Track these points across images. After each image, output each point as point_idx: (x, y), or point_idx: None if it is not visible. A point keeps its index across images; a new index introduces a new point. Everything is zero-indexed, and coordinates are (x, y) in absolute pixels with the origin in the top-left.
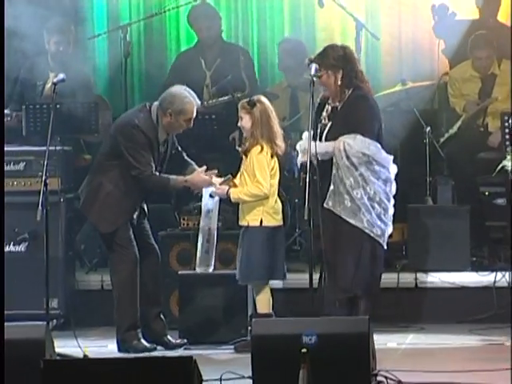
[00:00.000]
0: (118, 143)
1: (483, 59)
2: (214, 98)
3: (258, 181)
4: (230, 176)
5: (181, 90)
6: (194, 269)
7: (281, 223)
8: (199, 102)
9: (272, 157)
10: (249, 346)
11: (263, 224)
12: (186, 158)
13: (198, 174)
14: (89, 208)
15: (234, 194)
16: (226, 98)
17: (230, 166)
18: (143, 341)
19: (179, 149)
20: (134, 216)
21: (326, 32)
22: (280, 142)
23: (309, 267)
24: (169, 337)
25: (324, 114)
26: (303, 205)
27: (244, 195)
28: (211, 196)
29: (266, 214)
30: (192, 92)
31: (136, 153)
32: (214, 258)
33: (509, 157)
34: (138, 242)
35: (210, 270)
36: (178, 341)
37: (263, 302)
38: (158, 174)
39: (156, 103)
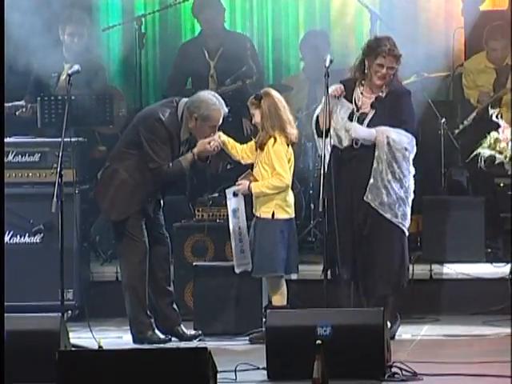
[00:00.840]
0: (139, 134)
1: (498, 50)
2: (223, 86)
3: (278, 173)
4: (249, 171)
5: (209, 95)
6: (205, 260)
7: (292, 216)
8: (227, 110)
9: (288, 146)
10: (263, 337)
11: (275, 217)
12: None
13: (202, 142)
14: (101, 195)
15: (256, 188)
16: (235, 85)
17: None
18: (157, 332)
19: None
20: (150, 208)
21: (341, 24)
22: (292, 130)
23: (323, 259)
24: (183, 328)
25: (361, 100)
26: (318, 196)
27: (266, 188)
28: (235, 194)
29: (278, 207)
30: (221, 99)
31: (156, 146)
32: (250, 255)
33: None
34: (150, 233)
35: (249, 268)
36: (193, 332)
37: (278, 295)
38: (170, 166)
39: (184, 100)
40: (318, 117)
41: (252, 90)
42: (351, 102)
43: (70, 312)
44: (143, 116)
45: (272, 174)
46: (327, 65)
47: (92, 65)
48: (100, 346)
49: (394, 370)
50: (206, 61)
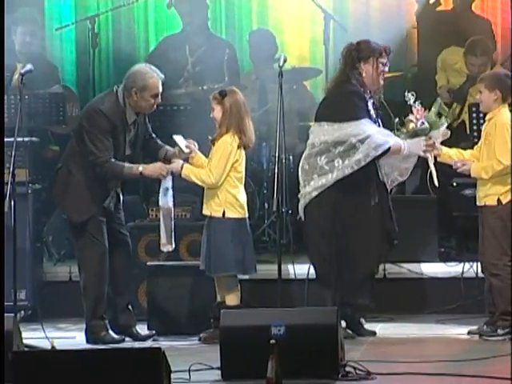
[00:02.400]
0: (83, 129)
1: (476, 66)
2: (192, 84)
3: (210, 169)
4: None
5: (141, 66)
6: (159, 260)
7: (245, 216)
8: (163, 76)
9: (239, 148)
10: (214, 336)
11: (226, 216)
12: (159, 142)
13: (154, 165)
14: (60, 197)
15: (186, 171)
16: (206, 87)
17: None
18: (111, 332)
19: (153, 135)
20: (111, 203)
21: (295, 24)
22: (250, 135)
23: (277, 258)
24: (137, 328)
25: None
26: (272, 196)
27: (193, 176)
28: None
29: (229, 206)
30: (154, 67)
31: (95, 138)
32: (173, 236)
33: (403, 129)
34: (111, 233)
35: (172, 248)
36: (147, 332)
37: (232, 295)
38: (113, 160)
39: (122, 85)
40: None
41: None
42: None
43: (22, 312)
44: (84, 110)
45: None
46: (281, 64)
47: (45, 64)
48: (53, 347)
49: (347, 369)
50: (186, 56)
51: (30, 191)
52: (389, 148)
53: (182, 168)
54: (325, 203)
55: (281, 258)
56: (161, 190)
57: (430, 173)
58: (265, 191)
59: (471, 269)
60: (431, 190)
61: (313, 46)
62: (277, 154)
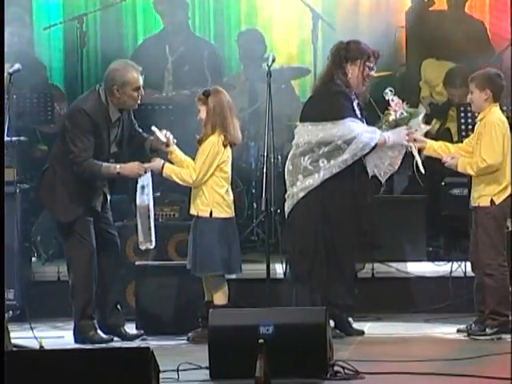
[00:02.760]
0: (65, 128)
1: (456, 96)
2: (176, 89)
3: (193, 168)
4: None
5: (118, 63)
6: (147, 259)
7: (232, 215)
8: (141, 68)
9: (225, 147)
10: (202, 336)
11: (213, 215)
12: (145, 135)
13: (132, 164)
14: (48, 197)
15: (167, 170)
16: (186, 91)
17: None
18: (100, 332)
19: (139, 130)
20: (98, 204)
21: (283, 23)
22: (234, 132)
23: (266, 258)
24: (125, 328)
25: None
26: (260, 196)
27: (175, 175)
28: (145, 172)
29: (217, 205)
30: (131, 62)
31: (75, 137)
32: (153, 234)
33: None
34: (100, 233)
35: (152, 246)
36: (135, 332)
37: (220, 294)
38: (92, 160)
39: (103, 84)
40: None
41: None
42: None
43: (11, 312)
44: (68, 110)
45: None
46: (269, 64)
47: (32, 64)
48: (41, 346)
49: (336, 368)
50: (166, 56)
51: (18, 191)
52: (375, 144)
53: (162, 167)
54: (312, 204)
55: (269, 258)
56: (138, 188)
57: (416, 162)
58: (253, 191)
59: (459, 268)
60: (419, 178)
61: (301, 45)
62: (265, 154)
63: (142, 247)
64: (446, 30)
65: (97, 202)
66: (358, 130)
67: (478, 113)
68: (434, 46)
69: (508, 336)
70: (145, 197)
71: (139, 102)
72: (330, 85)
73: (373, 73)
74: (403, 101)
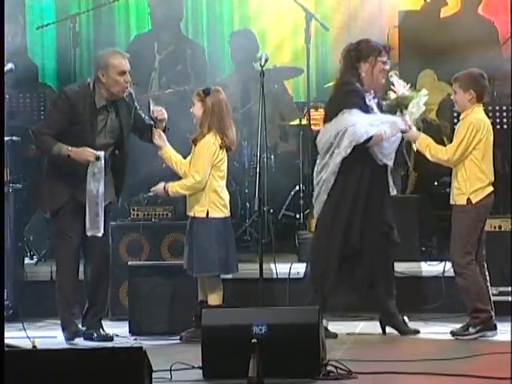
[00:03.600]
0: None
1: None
2: (162, 86)
3: (192, 171)
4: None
5: (105, 50)
6: (140, 259)
7: (227, 215)
8: (128, 55)
9: (221, 148)
10: (196, 335)
11: (210, 216)
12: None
13: (82, 149)
14: (36, 190)
15: (172, 188)
16: (173, 89)
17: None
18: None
19: (150, 123)
20: (81, 196)
21: (276, 23)
22: (231, 135)
23: (259, 257)
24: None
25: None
26: (254, 195)
27: (180, 188)
28: (97, 159)
29: (213, 206)
30: (119, 49)
31: (49, 114)
32: (102, 222)
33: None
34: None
35: (100, 234)
36: (107, 333)
37: (215, 294)
38: (50, 137)
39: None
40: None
41: (191, 96)
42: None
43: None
44: None
45: (190, 173)
46: (262, 63)
47: (25, 63)
48: (34, 346)
49: (329, 368)
50: (154, 53)
51: (10, 191)
52: (371, 137)
53: (165, 188)
54: (331, 205)
55: (262, 258)
56: (88, 174)
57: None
58: (246, 190)
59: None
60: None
61: (294, 45)
62: (258, 154)
63: (88, 233)
64: (458, 32)
65: (80, 193)
66: (353, 121)
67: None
68: (427, 46)
69: (492, 333)
70: (94, 183)
71: (128, 88)
72: (343, 85)
73: (387, 67)
74: (407, 84)
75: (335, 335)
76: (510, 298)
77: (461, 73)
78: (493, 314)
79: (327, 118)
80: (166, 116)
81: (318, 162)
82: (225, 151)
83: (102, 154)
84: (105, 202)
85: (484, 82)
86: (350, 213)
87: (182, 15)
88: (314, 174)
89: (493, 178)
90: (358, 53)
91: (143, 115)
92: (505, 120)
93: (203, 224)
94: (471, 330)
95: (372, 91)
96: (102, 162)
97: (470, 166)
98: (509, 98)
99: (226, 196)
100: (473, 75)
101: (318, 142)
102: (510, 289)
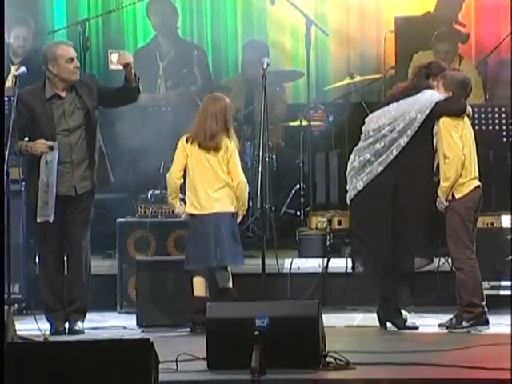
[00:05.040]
0: None
1: (442, 53)
2: (169, 89)
3: (241, 180)
4: None
5: (48, 42)
6: (147, 255)
7: (202, 212)
8: (71, 43)
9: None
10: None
11: (187, 212)
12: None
13: (37, 141)
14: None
15: (244, 208)
16: (180, 90)
17: None
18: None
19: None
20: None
21: (278, 28)
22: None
23: (261, 253)
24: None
25: None
26: (256, 194)
27: (245, 202)
28: (51, 149)
29: (189, 203)
30: (62, 39)
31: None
32: (53, 209)
33: None
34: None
35: (51, 219)
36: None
37: (196, 286)
38: (17, 139)
39: None
40: None
41: (197, 97)
42: None
43: (16, 305)
44: None
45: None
46: (265, 67)
47: (37, 67)
48: (45, 338)
49: (328, 359)
50: (157, 63)
51: (23, 189)
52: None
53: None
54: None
55: (264, 253)
56: (41, 163)
57: None
58: (249, 189)
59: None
60: None
61: (295, 49)
62: (260, 153)
63: (38, 219)
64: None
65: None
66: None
67: None
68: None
69: (483, 328)
70: (47, 172)
71: (78, 74)
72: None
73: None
74: None
75: (405, 321)
76: (501, 292)
77: (449, 72)
78: (486, 309)
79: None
80: (130, 59)
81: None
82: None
83: (55, 144)
84: (78, 191)
85: (467, 88)
86: None
87: (177, 18)
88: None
89: (477, 174)
90: (429, 70)
91: (113, 87)
92: (497, 121)
93: (188, 221)
94: (464, 323)
95: None
96: (56, 152)
97: None
98: (499, 100)
99: (200, 193)
100: (458, 79)
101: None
102: (501, 283)
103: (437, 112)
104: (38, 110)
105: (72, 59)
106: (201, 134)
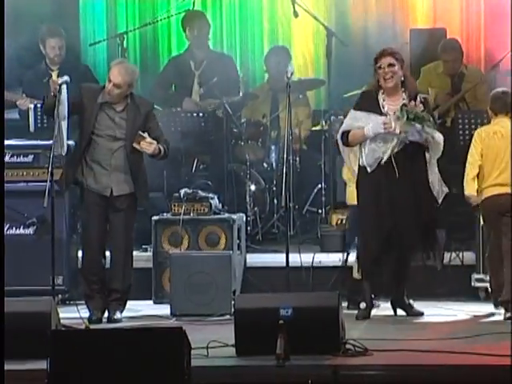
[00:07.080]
0: None
1: (450, 62)
2: (204, 97)
3: None
4: (139, 133)
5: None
6: (180, 249)
7: None
8: (138, 70)
9: None
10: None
11: None
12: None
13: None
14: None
15: None
16: (215, 101)
17: (216, 160)
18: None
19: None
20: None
21: (301, 39)
22: None
23: (286, 248)
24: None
25: (386, 108)
26: (280, 193)
27: None
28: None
29: None
30: (126, 62)
31: None
32: (64, 145)
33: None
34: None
35: (64, 151)
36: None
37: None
38: None
39: None
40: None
41: (227, 104)
42: (379, 113)
43: (59, 296)
44: None
45: None
46: (289, 76)
47: (81, 76)
48: (87, 326)
49: (347, 346)
50: (192, 71)
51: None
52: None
53: None
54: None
55: (288, 248)
56: (60, 83)
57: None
58: (274, 188)
59: (457, 258)
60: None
61: (317, 59)
62: (285, 156)
63: (55, 153)
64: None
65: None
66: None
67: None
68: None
69: None
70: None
71: (112, 96)
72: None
73: (385, 70)
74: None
75: (421, 313)
76: None
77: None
78: None
79: None
80: (151, 150)
81: None
82: None
83: (67, 78)
84: (115, 193)
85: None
86: None
87: (209, 30)
88: None
89: (501, 181)
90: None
91: (156, 131)
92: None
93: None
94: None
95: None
96: (65, 88)
97: None
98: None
99: None
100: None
101: None
102: None
103: None
104: (87, 106)
105: (114, 85)
106: None
